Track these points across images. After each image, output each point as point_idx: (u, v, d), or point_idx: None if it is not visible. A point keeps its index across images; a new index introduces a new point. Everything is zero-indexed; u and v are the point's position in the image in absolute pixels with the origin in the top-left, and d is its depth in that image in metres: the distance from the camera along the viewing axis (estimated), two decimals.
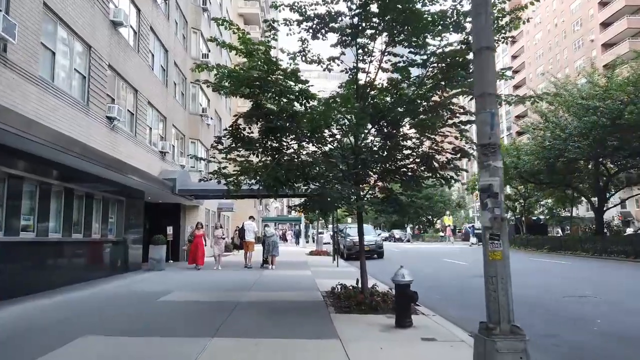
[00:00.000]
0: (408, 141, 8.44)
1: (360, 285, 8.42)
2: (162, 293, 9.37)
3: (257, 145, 8.78)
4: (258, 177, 8.36)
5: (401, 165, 8.60)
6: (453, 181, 8.70)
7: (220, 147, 8.88)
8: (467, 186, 35.35)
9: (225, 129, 8.99)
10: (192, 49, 21.30)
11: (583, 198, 29.85)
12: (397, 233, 53.55)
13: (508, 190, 36.68)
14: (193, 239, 15.87)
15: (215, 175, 9.08)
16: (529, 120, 31.67)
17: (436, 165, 8.27)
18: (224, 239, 16.04)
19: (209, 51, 22.53)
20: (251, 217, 18.05)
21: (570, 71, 50.14)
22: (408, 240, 50.54)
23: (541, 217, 40.06)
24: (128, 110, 14.20)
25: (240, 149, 8.92)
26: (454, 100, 8.22)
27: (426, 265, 17.59)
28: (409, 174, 8.36)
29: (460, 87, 7.66)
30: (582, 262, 19.27)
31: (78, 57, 11.10)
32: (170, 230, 18.27)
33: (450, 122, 7.77)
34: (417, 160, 8.47)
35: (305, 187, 8.67)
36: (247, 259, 16.42)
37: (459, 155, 8.14)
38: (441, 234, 53.72)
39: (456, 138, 8.29)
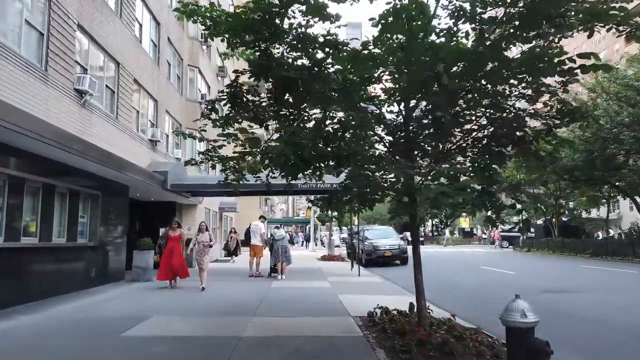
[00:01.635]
0: (484, 100, 5.73)
1: (416, 313, 5.80)
2: (134, 320, 6.73)
3: (267, 114, 6.18)
4: (267, 160, 5.81)
5: (475, 139, 5.91)
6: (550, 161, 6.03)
7: (213, 116, 6.32)
8: None
9: (222, 91, 6.37)
10: (190, 25, 18.69)
11: (620, 197, 26.90)
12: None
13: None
14: (166, 243, 11.05)
15: (207, 157, 6.49)
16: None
17: (529, 135, 5.58)
18: (211, 245, 11.30)
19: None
20: (261, 218, 15.36)
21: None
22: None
23: (564, 218, 37.03)
24: (107, 85, 11.60)
25: (241, 120, 6.33)
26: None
27: (464, 276, 14.83)
28: (492, 147, 5.64)
29: (555, 29, 4.92)
30: None
31: (31, 5, 8.51)
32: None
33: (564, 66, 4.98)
34: (499, 130, 5.77)
35: (338, 172, 5.97)
36: (252, 266, 13.80)
37: (566, 120, 5.39)
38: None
39: (555, 95, 5.51)
